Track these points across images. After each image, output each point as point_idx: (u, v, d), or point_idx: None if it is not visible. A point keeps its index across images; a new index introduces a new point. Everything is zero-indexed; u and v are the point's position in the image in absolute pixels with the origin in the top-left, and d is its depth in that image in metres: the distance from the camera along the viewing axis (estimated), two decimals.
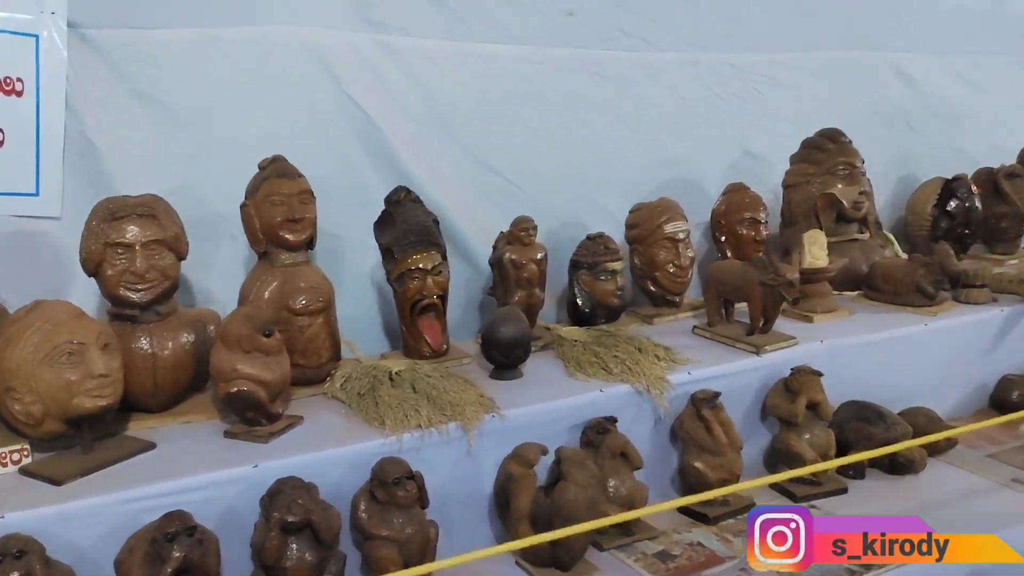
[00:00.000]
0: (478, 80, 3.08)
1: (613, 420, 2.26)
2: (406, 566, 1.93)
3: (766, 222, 3.10)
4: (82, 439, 1.94)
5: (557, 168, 3.21)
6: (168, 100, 2.63)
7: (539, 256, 2.67)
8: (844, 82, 3.84)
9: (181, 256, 2.18)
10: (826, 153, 3.23)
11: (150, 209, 2.11)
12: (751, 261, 2.58)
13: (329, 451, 2.02)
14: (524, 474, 2.08)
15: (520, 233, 2.65)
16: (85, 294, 2.49)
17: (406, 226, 2.51)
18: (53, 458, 1.94)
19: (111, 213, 2.09)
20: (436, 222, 2.59)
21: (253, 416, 2.06)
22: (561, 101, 3.22)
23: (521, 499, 2.06)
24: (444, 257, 2.56)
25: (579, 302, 2.82)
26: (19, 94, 2.44)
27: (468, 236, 2.97)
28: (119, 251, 2.08)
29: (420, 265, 2.48)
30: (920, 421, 2.64)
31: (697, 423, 2.34)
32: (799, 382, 2.45)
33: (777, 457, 2.51)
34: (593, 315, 2.82)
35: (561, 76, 3.22)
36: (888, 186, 3.91)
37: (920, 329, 2.80)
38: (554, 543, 1.97)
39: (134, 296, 2.11)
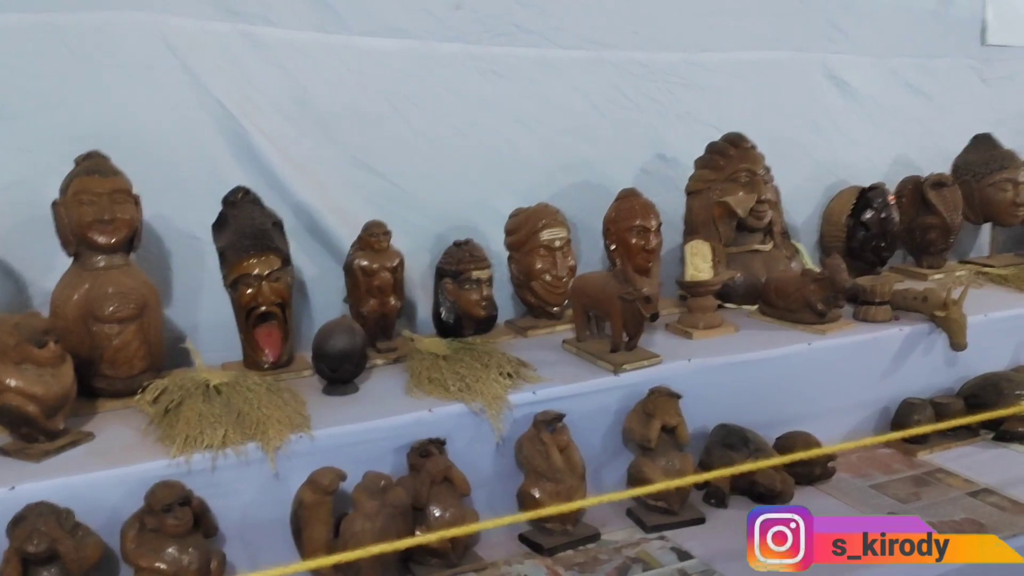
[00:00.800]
0: (355, 76, 2.91)
1: (440, 443, 2.09)
2: None
3: (656, 230, 2.91)
4: None
5: (447, 171, 3.04)
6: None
7: (393, 263, 2.50)
8: (770, 85, 3.65)
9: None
10: (727, 159, 3.05)
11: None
12: (612, 273, 2.40)
13: (104, 472, 1.86)
14: (318, 502, 1.91)
15: (370, 239, 2.48)
16: None
17: (240, 229, 2.35)
18: None
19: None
20: (277, 224, 2.43)
21: (28, 432, 1.90)
22: (450, 100, 3.04)
23: (315, 529, 1.90)
24: (286, 262, 2.40)
25: (442, 312, 2.65)
26: None
27: (343, 239, 2.80)
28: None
29: (255, 271, 2.32)
30: (796, 446, 2.45)
31: (535, 447, 2.17)
32: (654, 404, 2.27)
33: (632, 484, 2.33)
34: (458, 326, 2.65)
35: (450, 73, 3.04)
36: (817, 194, 3.72)
37: (803, 348, 2.61)
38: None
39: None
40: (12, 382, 1.85)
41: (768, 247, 3.09)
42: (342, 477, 1.93)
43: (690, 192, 3.12)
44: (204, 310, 2.65)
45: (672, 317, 2.82)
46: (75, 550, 1.70)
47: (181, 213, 2.56)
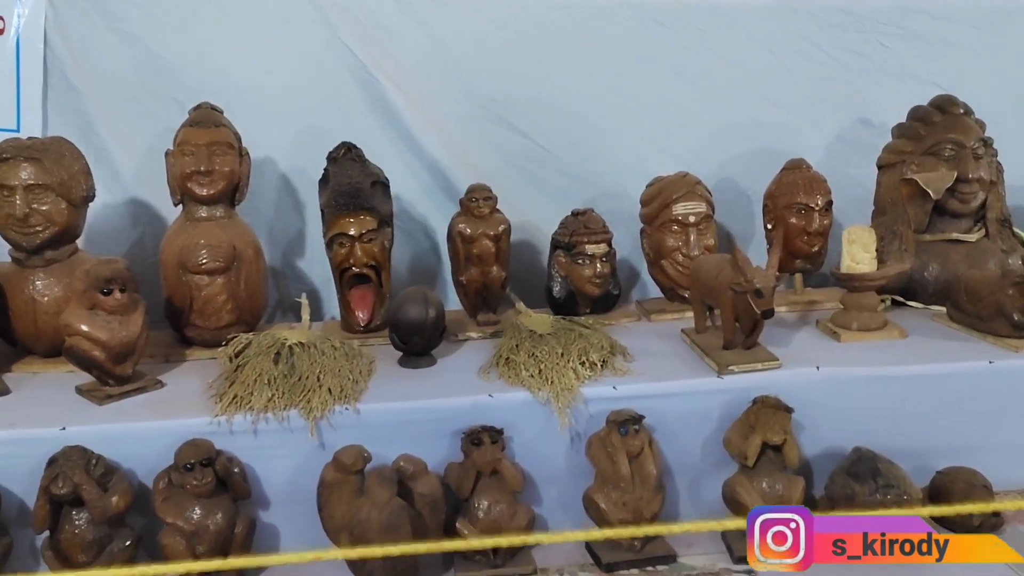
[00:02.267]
0: (498, 29, 2.73)
1: (495, 432, 1.90)
2: (196, 557, 1.76)
3: (824, 209, 2.48)
4: None
5: (597, 131, 2.81)
6: (153, 42, 2.59)
7: (496, 230, 2.32)
8: (1017, 35, 2.98)
9: (73, 202, 2.11)
10: (930, 127, 2.52)
11: (37, 152, 2.07)
12: (729, 259, 2.05)
13: (151, 423, 1.88)
14: (340, 480, 1.80)
15: (470, 204, 2.31)
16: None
17: (338, 187, 2.28)
18: None
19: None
20: (379, 183, 2.33)
21: (98, 375, 1.97)
22: (602, 53, 2.79)
23: (336, 507, 1.80)
24: (384, 223, 2.30)
25: (553, 287, 2.43)
26: (1, 31, 2.51)
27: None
28: (4, 193, 2.06)
29: (348, 231, 2.25)
30: (956, 487, 1.99)
31: (603, 450, 1.92)
32: (756, 416, 1.92)
33: (726, 504, 2.00)
34: (570, 303, 2.42)
35: (603, 23, 2.78)
36: None
37: (981, 367, 2.09)
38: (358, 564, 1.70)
39: (20, 239, 2.09)
40: (82, 326, 1.91)
41: (975, 237, 2.53)
42: (366, 457, 1.81)
43: (881, 166, 2.63)
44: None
45: (827, 313, 2.39)
46: (98, 497, 1.73)
47: (316, 168, 2.54)
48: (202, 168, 2.17)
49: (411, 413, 1.94)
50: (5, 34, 2.50)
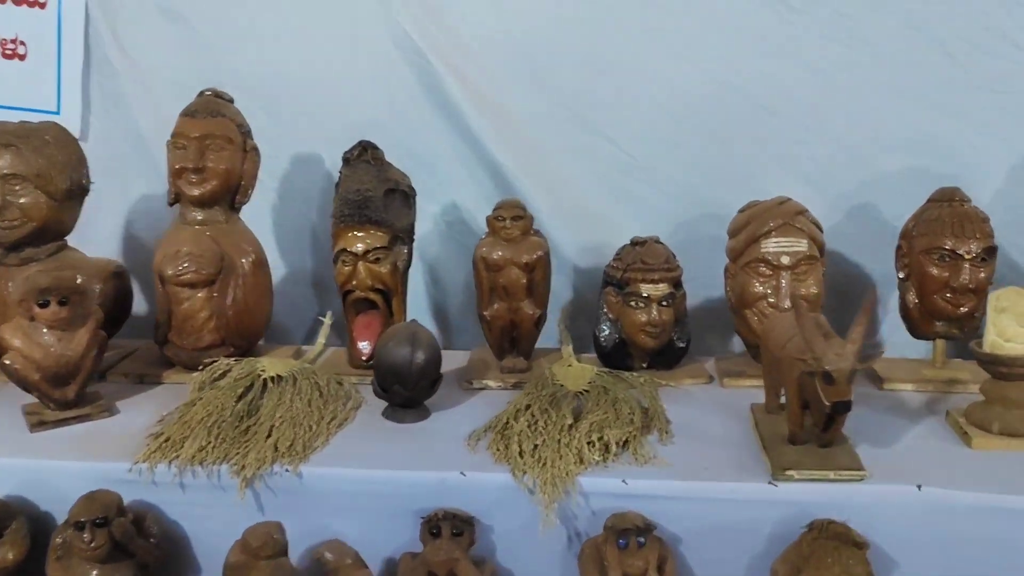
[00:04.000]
0: (582, 12, 2.27)
1: (463, 521, 1.48)
2: None
3: (978, 259, 1.84)
4: None
5: (702, 138, 2.30)
6: (198, 21, 2.36)
7: (530, 258, 1.88)
8: None
9: (54, 196, 1.89)
10: None
11: (15, 139, 1.86)
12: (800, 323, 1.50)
13: (69, 463, 1.60)
14: (243, 564, 1.45)
15: (496, 223, 1.89)
16: (107, 218, 2.38)
17: (346, 195, 1.93)
18: None
19: None
20: (397, 192, 1.96)
21: (38, 396, 1.73)
22: (714, 42, 2.26)
23: None
24: (397, 240, 1.93)
25: (600, 332, 1.96)
26: (42, 5, 2.35)
27: (544, 216, 2.25)
28: None
29: (352, 247, 1.90)
30: None
31: (594, 562, 1.45)
32: (809, 548, 1.38)
33: None
34: (619, 354, 1.94)
35: (716, 7, 2.25)
36: None
37: None
38: None
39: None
40: (15, 341, 1.68)
41: None
42: (277, 539, 1.44)
43: None
44: None
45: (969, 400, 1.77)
46: None
47: None
48: (191, 164, 1.88)
49: (361, 484, 1.56)
50: (46, 9, 2.34)
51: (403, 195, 1.97)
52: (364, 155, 1.95)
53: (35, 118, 2.13)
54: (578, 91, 2.29)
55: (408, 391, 1.70)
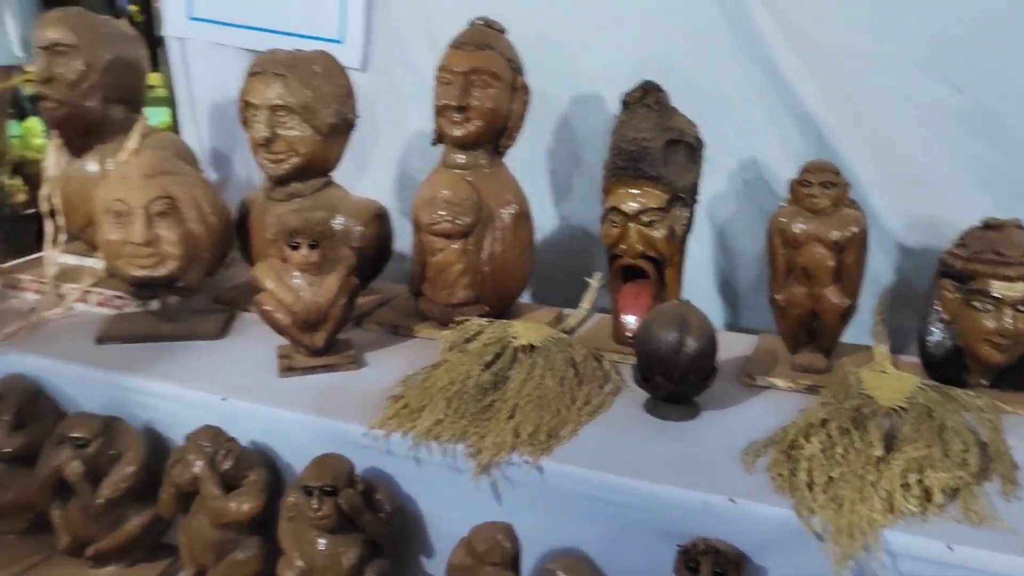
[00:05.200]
0: None
1: (729, 559, 1.21)
2: None
3: None
4: (161, 302, 1.83)
5: None
6: None
7: (841, 234, 1.52)
8: None
9: (319, 129, 1.80)
10: None
11: (284, 68, 1.78)
12: None
13: (309, 417, 1.52)
14: (467, 568, 1.27)
15: (801, 189, 1.53)
16: (383, 154, 2.33)
17: (620, 143, 1.67)
18: (136, 315, 1.88)
19: (252, 67, 1.83)
20: (680, 143, 1.66)
21: (289, 339, 1.67)
22: None
23: None
24: (678, 201, 1.65)
25: (928, 334, 1.56)
26: None
27: (864, 181, 1.88)
28: (253, 112, 1.82)
29: (622, 205, 1.65)
30: None
31: None
32: None
33: None
34: (953, 364, 1.54)
35: None
36: None
37: None
38: None
39: (265, 166, 1.85)
40: (267, 282, 1.62)
41: None
42: (506, 548, 1.25)
43: None
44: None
45: None
46: (215, 497, 1.44)
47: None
48: (455, 102, 1.71)
49: (608, 491, 1.32)
50: None
51: (688, 148, 1.67)
52: (645, 98, 1.66)
53: (319, 47, 2.06)
54: (922, 27, 1.83)
55: (673, 385, 1.43)
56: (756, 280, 2.05)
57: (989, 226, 1.49)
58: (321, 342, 1.65)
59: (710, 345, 1.44)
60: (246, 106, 1.83)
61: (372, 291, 1.96)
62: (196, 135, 2.57)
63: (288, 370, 1.64)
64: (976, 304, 1.47)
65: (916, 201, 1.86)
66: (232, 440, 1.49)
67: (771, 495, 1.26)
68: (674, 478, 1.30)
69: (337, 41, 2.31)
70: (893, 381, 1.49)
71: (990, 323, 1.46)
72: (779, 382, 1.59)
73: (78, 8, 1.94)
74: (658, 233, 1.64)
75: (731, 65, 1.99)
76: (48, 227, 2.02)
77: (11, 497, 1.63)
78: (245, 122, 1.86)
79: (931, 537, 1.17)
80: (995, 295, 1.44)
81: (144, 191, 1.71)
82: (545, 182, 2.21)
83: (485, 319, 1.72)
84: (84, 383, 1.68)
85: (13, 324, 1.81)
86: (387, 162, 2.38)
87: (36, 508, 1.59)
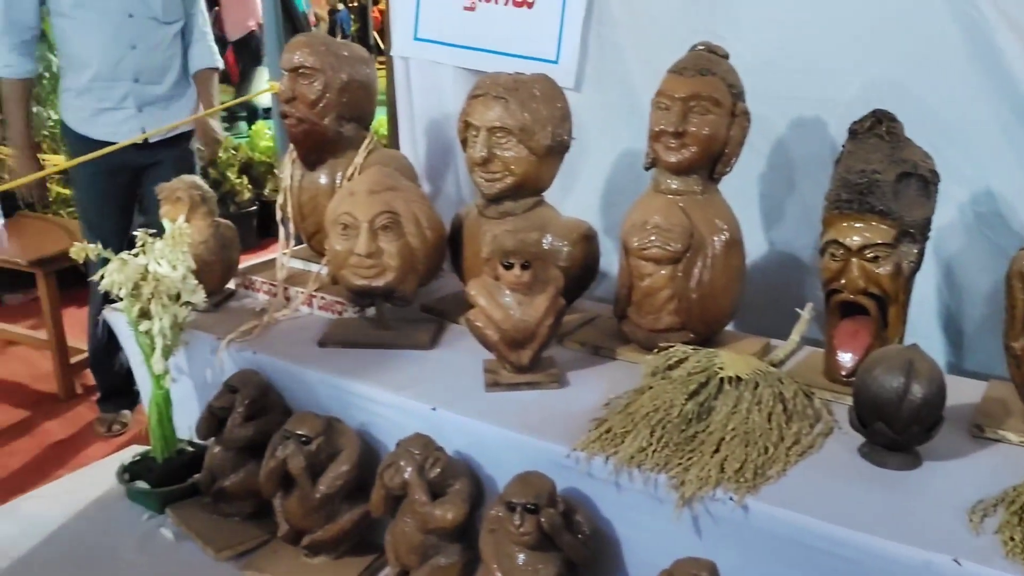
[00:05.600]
0: None
1: None
2: None
3: None
4: (378, 310, 1.94)
5: None
6: None
7: None
8: None
9: (535, 151, 1.85)
10: None
11: (505, 91, 1.84)
12: None
13: (513, 433, 1.56)
14: None
15: None
16: (591, 174, 2.35)
17: (847, 174, 1.60)
18: (354, 321, 1.99)
19: (474, 89, 1.90)
20: (912, 176, 1.58)
21: (497, 355, 1.72)
22: None
23: None
24: (910, 237, 1.57)
25: None
26: None
27: None
28: (472, 132, 1.89)
29: (846, 239, 1.59)
30: None
31: None
32: None
33: None
34: None
35: None
36: None
37: None
38: None
39: (481, 185, 1.92)
40: (480, 299, 1.67)
41: None
42: None
43: None
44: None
45: None
46: (423, 503, 1.50)
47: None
48: (672, 128, 1.70)
49: (818, 539, 1.27)
50: None
51: (921, 181, 1.58)
52: (877, 128, 1.60)
53: (535, 67, 2.11)
54: None
55: (895, 433, 1.36)
56: (984, 320, 1.91)
57: None
58: (527, 360, 1.69)
59: (939, 395, 1.35)
60: (466, 126, 1.90)
61: (575, 310, 1.98)
62: (413, 150, 2.70)
63: (494, 385, 1.69)
64: None
65: None
66: (440, 449, 1.55)
67: (1000, 560, 1.17)
68: (891, 531, 1.24)
69: (553, 62, 2.36)
70: None
71: None
72: (1012, 436, 1.47)
73: (322, 34, 2.09)
74: (883, 270, 1.56)
75: (968, 88, 1.86)
76: (281, 233, 2.18)
77: (239, 483, 1.77)
78: (464, 142, 1.93)
79: None
80: None
81: (369, 206, 1.81)
82: (755, 207, 2.16)
83: (690, 346, 1.70)
84: (308, 383, 1.80)
85: (247, 323, 1.97)
86: (595, 181, 2.40)
87: (260, 496, 1.71)
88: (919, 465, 1.40)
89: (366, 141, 2.15)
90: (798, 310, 1.85)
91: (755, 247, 2.11)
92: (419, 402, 1.65)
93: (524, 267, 1.63)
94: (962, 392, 1.60)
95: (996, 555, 1.18)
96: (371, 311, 1.96)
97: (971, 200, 1.89)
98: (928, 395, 1.34)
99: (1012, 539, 1.19)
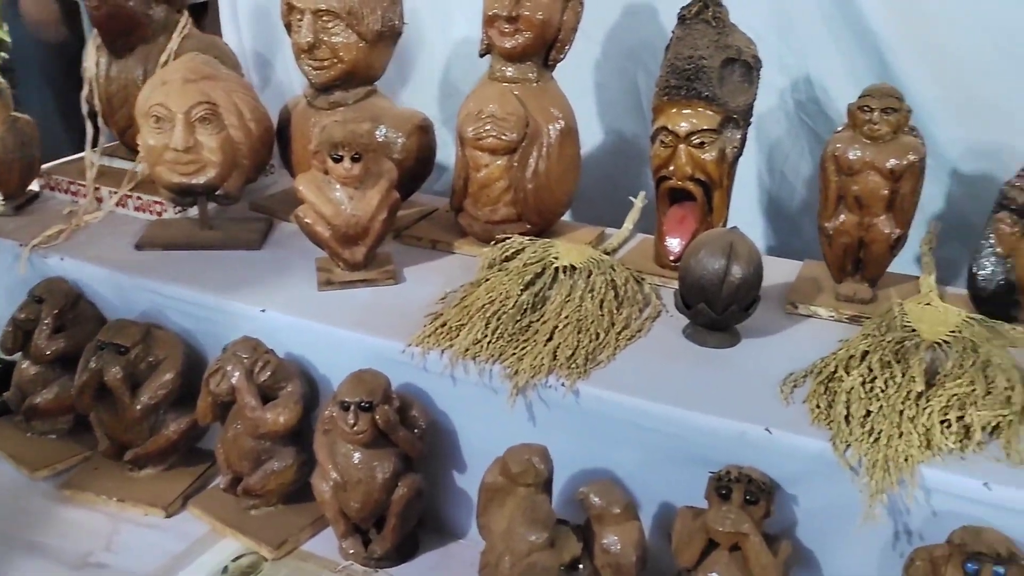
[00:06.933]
0: None
1: (761, 489, 1.21)
2: (346, 511, 1.43)
3: None
4: (200, 209, 1.83)
5: None
6: None
7: (896, 163, 1.46)
8: None
9: (364, 36, 1.76)
10: None
11: None
12: None
13: (347, 332, 1.52)
14: (504, 488, 1.29)
15: (860, 113, 1.47)
16: (428, 63, 2.27)
17: (674, 60, 1.60)
18: (175, 221, 1.88)
19: None
20: (736, 62, 1.59)
21: (329, 252, 1.66)
22: None
23: (495, 521, 1.30)
24: (733, 122, 1.60)
25: (981, 266, 1.51)
26: None
27: (926, 104, 1.80)
28: (297, 16, 1.77)
29: (671, 126, 1.60)
30: None
31: None
32: None
33: None
34: (1004, 300, 1.49)
35: None
36: None
37: None
38: None
39: (308, 73, 1.81)
40: (309, 195, 1.60)
41: None
42: (540, 470, 1.26)
43: None
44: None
45: None
46: (252, 408, 1.45)
47: None
48: (505, 12, 1.65)
49: (643, 417, 1.32)
50: None
51: (745, 66, 1.60)
52: (704, 13, 1.59)
53: None
54: None
55: (716, 313, 1.41)
56: (805, 204, 1.99)
57: None
58: (360, 257, 1.64)
59: (756, 274, 1.41)
60: (289, 9, 1.78)
61: (412, 204, 1.94)
62: (237, 37, 2.52)
63: (327, 283, 1.64)
64: None
65: (980, 127, 1.78)
66: (270, 352, 1.50)
67: (807, 427, 1.25)
68: (710, 406, 1.29)
69: None
70: (938, 314, 1.44)
71: None
72: (822, 311, 1.56)
73: None
74: (709, 156, 1.59)
75: None
76: (88, 128, 2.01)
77: (51, 399, 1.67)
78: (288, 26, 1.81)
79: (968, 475, 1.15)
80: None
81: (185, 96, 1.69)
82: (590, 96, 2.15)
83: (526, 237, 1.70)
84: (124, 289, 1.69)
85: (53, 227, 1.82)
86: (432, 71, 2.33)
87: (76, 411, 1.62)
88: (738, 343, 1.47)
89: (180, 24, 1.99)
90: (631, 198, 1.87)
91: (590, 136, 2.11)
92: (246, 304, 1.59)
93: (355, 159, 1.56)
94: (780, 272, 1.68)
95: (803, 422, 1.26)
96: (193, 211, 1.85)
97: (791, 87, 1.95)
98: (747, 275, 1.39)
99: (818, 407, 1.27)
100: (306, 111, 1.86)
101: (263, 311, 1.57)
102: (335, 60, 1.77)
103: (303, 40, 1.74)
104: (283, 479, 1.51)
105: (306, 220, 1.61)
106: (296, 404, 1.48)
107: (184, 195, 1.77)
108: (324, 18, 1.74)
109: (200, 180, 1.73)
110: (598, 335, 1.45)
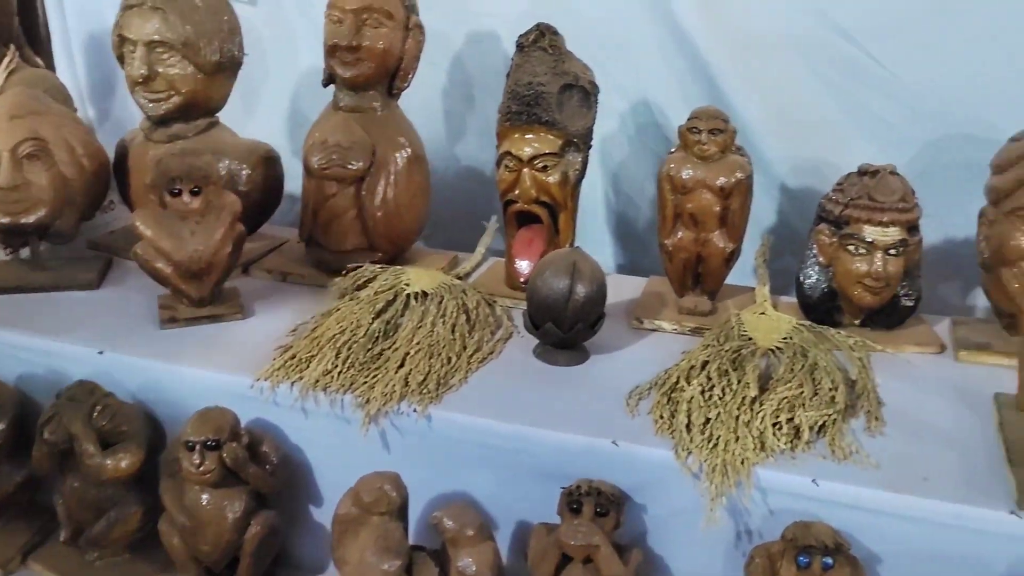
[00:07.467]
0: None
1: (611, 501, 1.24)
2: (196, 556, 1.38)
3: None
4: (32, 250, 1.74)
5: (972, 36, 1.81)
6: None
7: (725, 181, 1.54)
8: None
9: (202, 68, 1.72)
10: None
11: (163, 3, 1.69)
12: None
13: (192, 370, 1.48)
14: (357, 519, 1.28)
15: (689, 135, 1.55)
16: (274, 94, 2.24)
17: (515, 87, 1.65)
18: (5, 264, 1.78)
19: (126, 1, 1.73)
20: (575, 88, 1.65)
21: (171, 289, 1.61)
22: None
23: (349, 552, 1.28)
24: (574, 146, 1.65)
25: (807, 276, 1.60)
26: None
27: (752, 124, 1.89)
28: (129, 48, 1.72)
29: (514, 151, 1.63)
30: None
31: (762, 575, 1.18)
32: None
33: None
34: (826, 307, 1.59)
35: None
36: None
37: None
38: None
39: (144, 105, 1.76)
40: (147, 230, 1.55)
41: None
42: (393, 498, 1.25)
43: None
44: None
45: None
46: (92, 454, 1.38)
47: None
48: (345, 42, 1.65)
49: (495, 437, 1.33)
50: None
51: (582, 92, 1.66)
52: (540, 41, 1.64)
53: None
54: None
55: (563, 332, 1.44)
56: (650, 223, 2.07)
57: (863, 172, 1.53)
58: (205, 292, 1.60)
59: (600, 292, 1.45)
60: (121, 41, 1.74)
61: (260, 236, 1.91)
62: (71, 70, 2.42)
63: (170, 321, 1.59)
64: (850, 248, 1.51)
65: (802, 146, 1.90)
66: (109, 395, 1.44)
67: (652, 437, 1.29)
68: (560, 423, 1.32)
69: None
70: (772, 322, 1.53)
71: (862, 267, 1.51)
72: (666, 325, 1.62)
73: None
74: (552, 179, 1.63)
75: (629, 7, 1.97)
76: None
77: None
78: (120, 59, 1.76)
79: (798, 473, 1.22)
80: (868, 240, 1.49)
81: (10, 133, 1.62)
82: (439, 123, 2.17)
83: (378, 265, 1.70)
84: None
85: None
86: (278, 101, 2.31)
87: None
88: (587, 359, 1.51)
89: (7, 59, 1.90)
90: (484, 223, 1.90)
91: (441, 162, 2.13)
92: (83, 347, 1.52)
93: (194, 193, 1.53)
94: (627, 289, 1.74)
95: (648, 433, 1.30)
96: (26, 251, 1.76)
97: (631, 112, 2.03)
98: (590, 293, 1.43)
99: (661, 417, 1.32)
100: (144, 144, 1.80)
101: (101, 353, 1.51)
102: (172, 92, 1.73)
103: (136, 72, 1.70)
104: (128, 527, 1.44)
105: (145, 257, 1.55)
106: (138, 448, 1.42)
107: (13, 235, 1.69)
108: (158, 50, 1.70)
109: (30, 219, 1.65)
110: (450, 359, 1.46)
